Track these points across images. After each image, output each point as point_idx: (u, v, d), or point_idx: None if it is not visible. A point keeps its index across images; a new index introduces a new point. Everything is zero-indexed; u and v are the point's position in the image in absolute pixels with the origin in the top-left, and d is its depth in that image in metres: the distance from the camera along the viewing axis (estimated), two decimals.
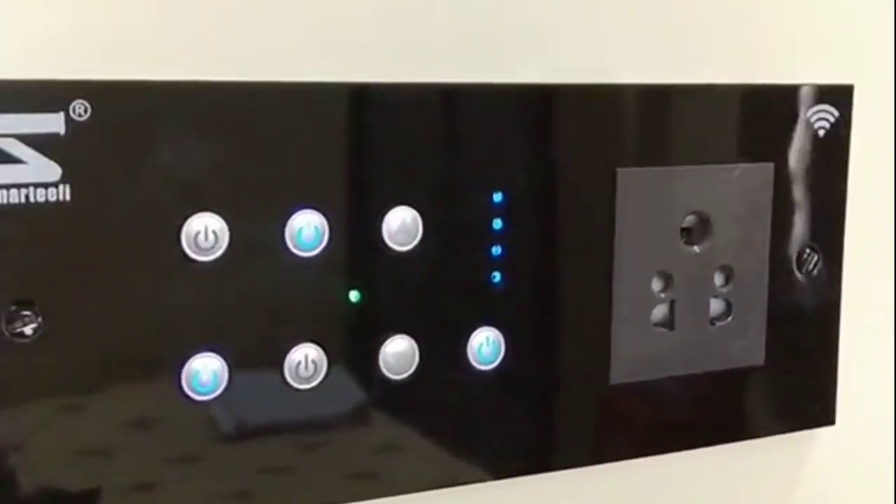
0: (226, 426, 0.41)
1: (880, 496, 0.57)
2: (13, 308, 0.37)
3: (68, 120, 0.37)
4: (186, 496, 0.40)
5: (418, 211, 0.43)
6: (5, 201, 0.37)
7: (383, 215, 0.42)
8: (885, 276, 0.55)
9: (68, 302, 0.38)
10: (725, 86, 0.49)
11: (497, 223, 0.44)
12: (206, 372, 0.40)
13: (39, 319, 0.38)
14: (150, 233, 0.39)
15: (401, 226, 0.43)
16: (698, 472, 0.52)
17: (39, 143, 0.37)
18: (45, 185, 0.37)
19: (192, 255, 0.39)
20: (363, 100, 0.42)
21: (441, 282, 0.44)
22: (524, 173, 0.45)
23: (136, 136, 0.38)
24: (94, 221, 0.38)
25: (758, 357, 0.50)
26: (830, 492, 0.55)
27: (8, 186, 0.37)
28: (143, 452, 0.40)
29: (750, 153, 0.49)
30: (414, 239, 0.43)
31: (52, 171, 0.37)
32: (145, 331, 0.39)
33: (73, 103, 0.37)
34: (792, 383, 0.52)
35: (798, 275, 0.51)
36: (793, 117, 0.50)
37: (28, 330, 0.38)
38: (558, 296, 0.46)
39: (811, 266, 0.51)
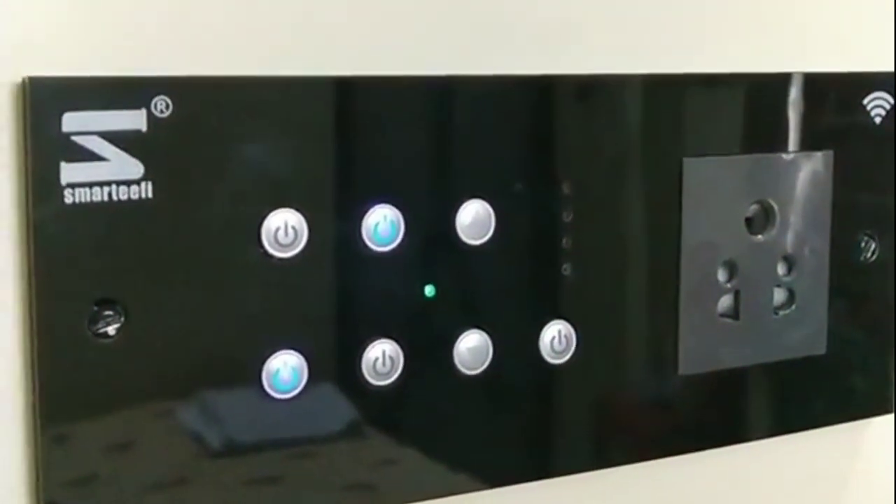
0: (307, 424, 0.40)
1: None
2: (96, 307, 0.37)
3: (150, 116, 0.37)
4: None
5: (491, 204, 0.43)
6: (88, 199, 0.36)
7: (457, 209, 0.42)
8: None
9: (151, 301, 0.38)
10: (785, 74, 0.49)
11: (567, 215, 0.44)
12: (286, 370, 0.40)
13: (122, 319, 0.37)
14: (231, 229, 0.38)
15: (474, 219, 0.42)
16: (758, 462, 0.51)
17: (121, 140, 0.36)
18: (128, 183, 0.37)
19: (273, 252, 0.39)
20: (437, 94, 0.42)
21: (513, 275, 0.44)
22: (593, 165, 0.45)
23: (217, 133, 0.38)
24: (175, 219, 0.38)
25: (819, 346, 0.50)
26: (887, 480, 0.55)
27: (91, 184, 0.36)
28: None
29: (809, 141, 0.49)
30: (487, 232, 0.43)
31: (135, 168, 0.37)
32: (227, 328, 0.39)
33: (155, 99, 0.37)
34: (851, 372, 0.52)
35: (856, 262, 0.51)
36: (850, 105, 0.50)
37: (111, 330, 0.37)
38: (627, 287, 0.46)
39: (869, 253, 0.51)
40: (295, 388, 0.40)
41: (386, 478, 0.42)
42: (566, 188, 0.44)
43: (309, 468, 0.41)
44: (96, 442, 0.37)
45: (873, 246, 0.51)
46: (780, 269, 0.49)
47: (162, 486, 0.38)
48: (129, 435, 0.38)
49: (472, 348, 0.43)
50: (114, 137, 0.36)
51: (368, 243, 0.41)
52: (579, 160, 0.44)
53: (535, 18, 0.44)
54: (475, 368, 0.43)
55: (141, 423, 0.38)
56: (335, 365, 0.41)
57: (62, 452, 0.37)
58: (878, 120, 0.51)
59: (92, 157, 0.36)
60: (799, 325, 0.50)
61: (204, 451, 0.39)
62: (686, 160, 0.46)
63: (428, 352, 0.42)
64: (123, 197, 0.37)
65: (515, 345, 0.44)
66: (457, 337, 0.43)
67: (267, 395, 0.39)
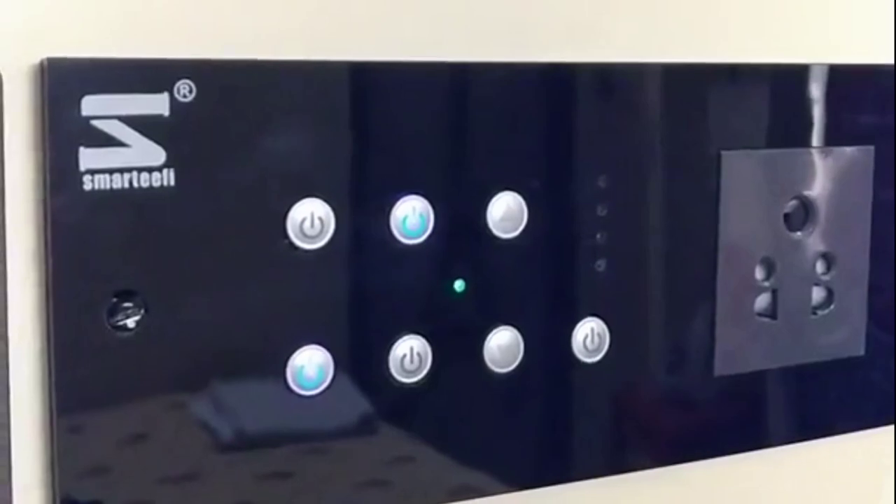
0: (331, 422, 0.39)
1: None
2: (115, 299, 0.36)
3: (173, 101, 0.35)
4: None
5: (523, 197, 0.41)
6: (108, 186, 0.35)
7: (488, 202, 0.41)
8: None
9: (172, 293, 0.36)
10: (825, 66, 0.47)
11: (602, 209, 0.42)
12: (311, 366, 0.38)
13: (142, 311, 0.36)
14: (255, 219, 0.37)
15: (506, 212, 0.41)
16: (793, 465, 0.50)
17: (143, 125, 0.35)
18: (149, 170, 0.35)
19: (298, 243, 0.38)
20: (469, 81, 0.40)
21: (545, 271, 0.42)
22: (628, 158, 0.43)
23: (242, 119, 0.36)
24: (198, 207, 0.36)
25: (858, 348, 0.49)
26: None
27: (111, 171, 0.35)
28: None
29: (849, 136, 0.48)
30: (519, 226, 0.41)
31: (157, 154, 0.35)
32: (250, 323, 0.37)
33: (178, 83, 0.35)
34: (889, 375, 0.50)
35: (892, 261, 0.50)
36: (892, 98, 0.49)
37: (130, 323, 0.36)
38: (662, 285, 0.44)
39: None
40: (320, 384, 0.38)
41: (411, 478, 0.41)
42: (601, 181, 0.42)
43: (330, 468, 0.39)
44: (112, 437, 0.36)
45: None
46: (819, 267, 0.47)
47: (176, 480, 0.37)
48: (146, 433, 0.36)
49: (502, 346, 0.41)
50: (135, 122, 0.35)
51: (397, 236, 0.39)
52: (615, 152, 0.43)
53: (568, 4, 0.42)
54: (506, 366, 0.41)
55: (159, 424, 0.36)
56: (362, 361, 0.39)
57: (78, 446, 0.35)
58: None
59: (112, 142, 0.35)
60: (837, 326, 0.48)
61: (223, 450, 0.37)
62: (724, 153, 0.44)
63: (457, 349, 0.41)
64: (145, 184, 0.35)
65: (547, 342, 0.42)
66: (487, 334, 0.41)
67: (291, 391, 0.38)
